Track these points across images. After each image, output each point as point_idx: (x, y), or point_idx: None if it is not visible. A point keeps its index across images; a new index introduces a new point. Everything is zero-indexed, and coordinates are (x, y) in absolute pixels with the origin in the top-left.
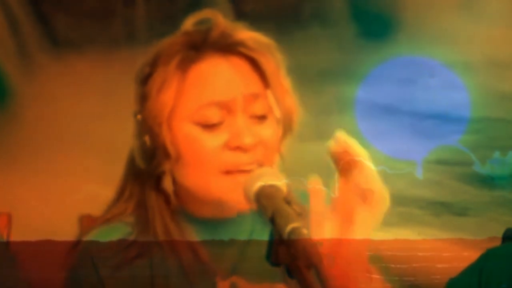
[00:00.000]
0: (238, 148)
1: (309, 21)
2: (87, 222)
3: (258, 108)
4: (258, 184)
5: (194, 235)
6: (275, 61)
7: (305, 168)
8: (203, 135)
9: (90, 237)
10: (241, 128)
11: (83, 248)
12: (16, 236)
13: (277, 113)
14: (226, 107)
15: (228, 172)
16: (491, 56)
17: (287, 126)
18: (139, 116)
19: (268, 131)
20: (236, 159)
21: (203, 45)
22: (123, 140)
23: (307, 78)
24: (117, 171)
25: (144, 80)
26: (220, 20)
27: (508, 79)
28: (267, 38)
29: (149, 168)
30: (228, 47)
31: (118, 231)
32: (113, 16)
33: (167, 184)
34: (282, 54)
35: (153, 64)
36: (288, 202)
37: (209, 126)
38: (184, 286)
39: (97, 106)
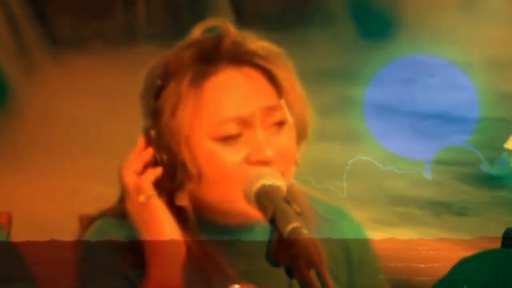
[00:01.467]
0: (260, 162)
1: (310, 22)
2: (87, 222)
3: (275, 118)
4: (258, 184)
5: (211, 242)
6: (287, 69)
7: (306, 168)
8: (223, 151)
9: (98, 225)
10: (262, 141)
11: (97, 231)
12: (17, 235)
13: (291, 121)
14: (245, 122)
15: None
16: (491, 56)
17: (301, 134)
18: (152, 132)
19: (285, 140)
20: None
21: (215, 56)
22: (123, 140)
23: (307, 78)
24: (117, 170)
25: (156, 94)
26: (230, 29)
27: (508, 79)
28: (276, 47)
29: (169, 185)
30: (241, 58)
31: (128, 226)
32: (113, 16)
33: (183, 200)
34: (290, 60)
35: (164, 77)
36: (288, 202)
37: (228, 141)
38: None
39: (97, 105)
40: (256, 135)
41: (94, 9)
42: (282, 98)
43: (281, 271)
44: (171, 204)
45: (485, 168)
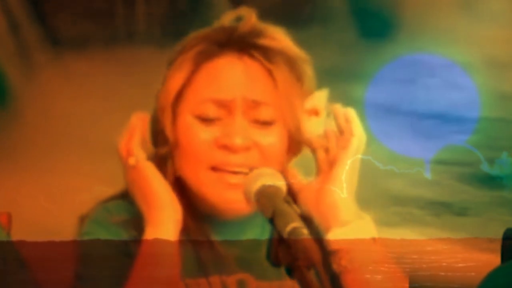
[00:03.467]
0: (226, 147)
1: (310, 21)
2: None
3: (262, 114)
4: (258, 184)
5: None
6: (296, 73)
7: (306, 168)
8: (198, 128)
9: (101, 207)
10: (234, 128)
11: (102, 208)
12: (17, 235)
13: (285, 127)
14: (225, 106)
15: (214, 169)
16: (491, 56)
17: (293, 145)
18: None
19: (270, 138)
20: (224, 158)
21: (226, 41)
22: None
23: None
24: (117, 171)
25: (169, 65)
26: (252, 18)
27: (508, 79)
28: (301, 52)
29: (157, 151)
30: (249, 50)
31: (128, 208)
32: (113, 16)
33: (170, 169)
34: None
35: (179, 51)
36: (288, 202)
37: (206, 120)
38: (196, 272)
39: (97, 106)
40: (234, 122)
41: (94, 9)
42: (277, 98)
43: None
44: (169, 175)
45: (485, 168)
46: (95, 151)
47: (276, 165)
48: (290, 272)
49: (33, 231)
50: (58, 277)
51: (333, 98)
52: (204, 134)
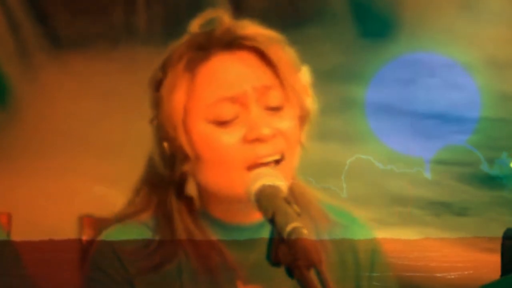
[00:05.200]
0: (257, 140)
1: (310, 21)
2: (87, 222)
3: (272, 99)
4: (258, 184)
5: (217, 238)
6: (285, 53)
7: (307, 168)
8: (218, 133)
9: (107, 234)
10: (257, 119)
11: (106, 245)
12: (17, 235)
13: (292, 102)
14: (238, 101)
15: (250, 167)
16: (491, 56)
17: (303, 115)
18: (155, 122)
19: (286, 122)
20: (256, 151)
21: (209, 44)
22: (123, 140)
23: None
24: (117, 170)
25: (157, 85)
26: (225, 18)
27: (508, 79)
28: (276, 33)
29: (171, 174)
30: (234, 43)
31: (137, 231)
32: (113, 16)
33: (191, 188)
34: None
35: (164, 69)
36: (288, 202)
37: (223, 123)
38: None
39: (97, 106)
40: (251, 115)
41: (94, 9)
42: (279, 79)
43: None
44: (181, 195)
45: (485, 168)
46: (95, 151)
47: (297, 146)
48: (290, 272)
49: (33, 231)
50: (58, 277)
51: (333, 98)
52: (227, 137)
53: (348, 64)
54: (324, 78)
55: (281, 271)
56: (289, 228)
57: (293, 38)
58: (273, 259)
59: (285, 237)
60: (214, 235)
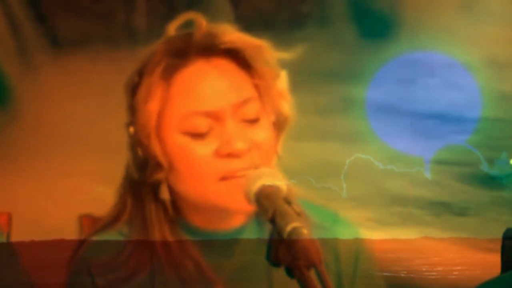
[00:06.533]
0: (230, 155)
1: (310, 21)
2: (86, 222)
3: (248, 112)
4: (258, 184)
5: (194, 245)
6: (265, 61)
7: (306, 168)
8: (193, 145)
9: (85, 249)
10: (231, 134)
11: (81, 257)
12: (17, 235)
13: (269, 112)
14: (214, 116)
15: (224, 179)
16: (491, 56)
17: (280, 125)
18: (131, 129)
19: (262, 133)
20: (230, 165)
21: (187, 49)
22: (123, 140)
23: (306, 78)
24: (116, 171)
25: (133, 90)
26: (202, 22)
27: (508, 79)
28: (257, 39)
29: (143, 179)
30: (213, 50)
31: (111, 242)
32: (113, 16)
33: (164, 193)
34: (275, 52)
35: (140, 74)
36: (288, 202)
37: (198, 135)
38: None
39: (97, 106)
40: (227, 128)
41: (94, 9)
42: (257, 87)
43: (262, 279)
44: (158, 200)
45: (485, 168)
46: (95, 151)
47: (274, 156)
48: (290, 272)
49: (33, 231)
50: (57, 277)
51: (333, 98)
52: (201, 149)
53: (348, 64)
54: (324, 78)
55: (258, 280)
56: (289, 228)
57: (292, 38)
58: (273, 259)
59: (285, 237)
60: (190, 242)
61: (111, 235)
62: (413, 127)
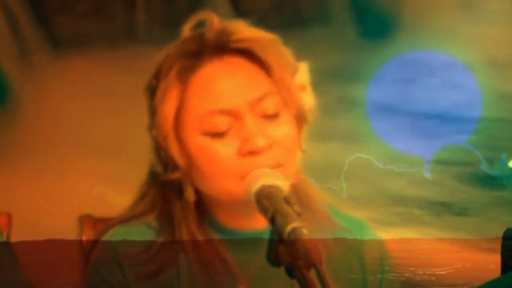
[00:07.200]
0: (252, 153)
1: (310, 21)
2: (86, 222)
3: (267, 108)
4: (258, 184)
5: (221, 243)
6: (279, 54)
7: (307, 168)
8: (214, 145)
9: (111, 235)
10: (251, 132)
11: (108, 249)
12: (17, 236)
13: (289, 106)
14: (232, 114)
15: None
16: (491, 56)
17: (301, 118)
18: (153, 132)
19: (283, 128)
20: (252, 163)
21: (200, 50)
22: (122, 140)
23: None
24: (116, 170)
25: (152, 93)
26: (215, 20)
27: (508, 79)
28: (270, 34)
29: (166, 178)
30: (226, 48)
31: (140, 232)
32: (113, 16)
33: (188, 193)
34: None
35: (157, 77)
36: (288, 202)
37: (218, 135)
38: None
39: (96, 106)
40: (246, 126)
41: (94, 9)
42: (275, 83)
43: (285, 277)
44: (181, 197)
45: (485, 168)
46: (95, 151)
47: (298, 151)
48: (290, 272)
49: (33, 231)
50: (57, 277)
51: (333, 98)
52: (223, 149)
53: (348, 64)
54: (324, 78)
55: (283, 279)
56: (289, 228)
57: (293, 38)
58: (273, 260)
59: (285, 237)
60: (218, 240)
61: (140, 227)
62: (413, 127)
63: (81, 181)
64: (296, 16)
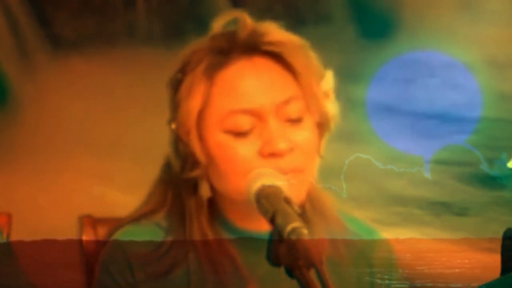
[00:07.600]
0: (272, 155)
1: (310, 21)
2: (86, 222)
3: (291, 112)
4: (258, 184)
5: (232, 243)
6: (308, 59)
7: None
8: (235, 144)
9: (121, 234)
10: (274, 134)
11: (118, 248)
12: (17, 236)
13: (312, 112)
14: (256, 114)
15: None
16: (491, 56)
17: (323, 126)
18: (173, 125)
19: (304, 133)
20: (272, 165)
21: (230, 48)
22: (123, 139)
23: None
24: (117, 170)
25: (176, 87)
26: (247, 20)
27: (508, 79)
28: (300, 39)
29: (183, 175)
30: (256, 49)
31: (149, 232)
32: (113, 16)
33: (204, 190)
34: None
35: (183, 71)
36: (288, 202)
37: (240, 134)
38: None
39: (96, 106)
40: (269, 128)
41: (94, 9)
42: (301, 87)
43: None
44: (198, 196)
45: (485, 168)
46: (95, 151)
47: (316, 157)
48: (290, 272)
49: (33, 231)
50: (57, 277)
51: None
52: (244, 148)
53: (348, 64)
54: None
55: (291, 282)
56: (289, 228)
57: None
58: (273, 260)
59: (285, 237)
60: (229, 240)
61: (149, 226)
62: (413, 127)
63: (81, 181)
64: (296, 16)
